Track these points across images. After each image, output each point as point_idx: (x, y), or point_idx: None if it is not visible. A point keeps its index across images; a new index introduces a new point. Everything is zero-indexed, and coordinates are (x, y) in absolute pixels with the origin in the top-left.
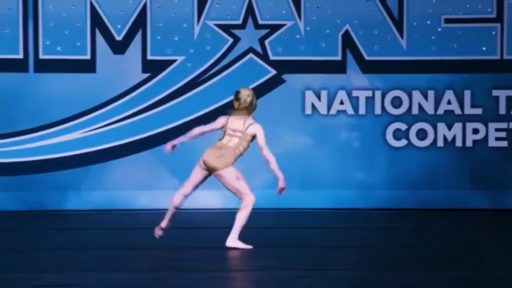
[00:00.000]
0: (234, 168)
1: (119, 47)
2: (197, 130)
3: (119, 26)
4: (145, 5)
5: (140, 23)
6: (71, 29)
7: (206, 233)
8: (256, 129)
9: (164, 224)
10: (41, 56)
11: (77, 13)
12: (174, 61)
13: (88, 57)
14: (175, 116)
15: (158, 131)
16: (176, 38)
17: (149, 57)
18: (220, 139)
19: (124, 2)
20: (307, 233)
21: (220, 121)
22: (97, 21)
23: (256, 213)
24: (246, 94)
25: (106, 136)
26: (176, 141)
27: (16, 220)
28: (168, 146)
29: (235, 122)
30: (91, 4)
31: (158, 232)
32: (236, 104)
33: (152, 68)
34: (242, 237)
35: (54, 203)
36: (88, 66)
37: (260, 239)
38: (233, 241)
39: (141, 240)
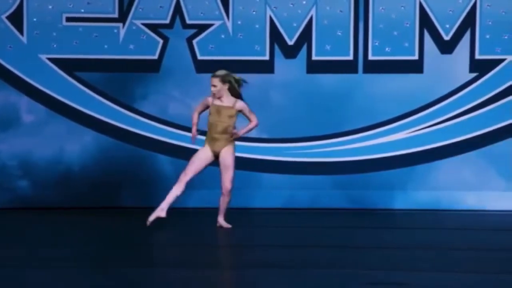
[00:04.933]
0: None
1: (447, 47)
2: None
3: (447, 26)
4: (475, 3)
5: (469, 22)
6: (399, 29)
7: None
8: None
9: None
10: (370, 57)
11: (406, 14)
12: (503, 60)
13: (415, 57)
14: (503, 117)
15: (484, 131)
16: (505, 37)
17: (477, 56)
18: None
19: (454, 1)
20: None
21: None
22: (425, 21)
23: None
24: None
25: (431, 136)
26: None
27: (345, 217)
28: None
29: None
30: (420, 4)
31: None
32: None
33: (480, 67)
34: None
35: (381, 202)
36: (416, 67)
37: None
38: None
39: (465, 241)
